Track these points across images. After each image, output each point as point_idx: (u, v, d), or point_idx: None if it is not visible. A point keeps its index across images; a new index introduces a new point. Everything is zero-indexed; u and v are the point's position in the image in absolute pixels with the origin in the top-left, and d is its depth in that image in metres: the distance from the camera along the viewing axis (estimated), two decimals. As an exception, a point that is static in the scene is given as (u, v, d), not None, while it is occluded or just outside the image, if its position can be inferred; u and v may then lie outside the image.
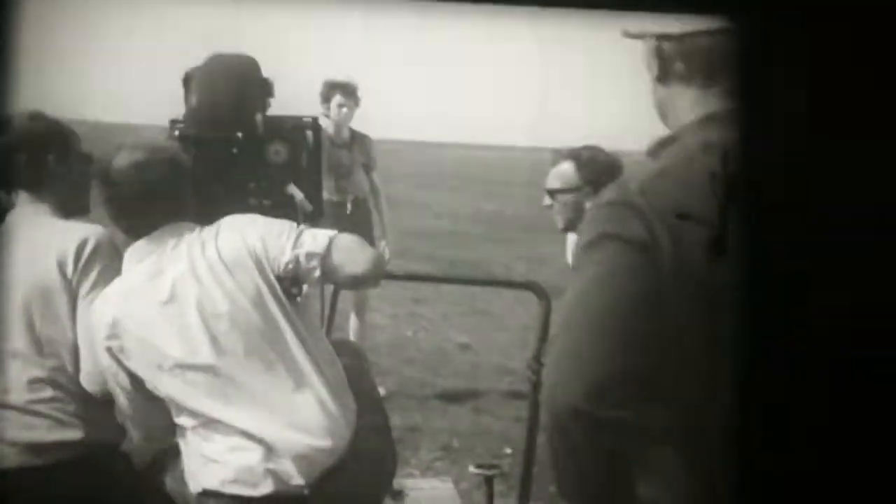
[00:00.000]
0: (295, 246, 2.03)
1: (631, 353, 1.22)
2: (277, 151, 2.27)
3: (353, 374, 2.17)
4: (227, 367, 1.98)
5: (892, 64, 1.08)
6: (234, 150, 2.24)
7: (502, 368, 5.48)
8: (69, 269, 2.08)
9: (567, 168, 2.81)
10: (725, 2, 1.12)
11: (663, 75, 1.38)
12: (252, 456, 1.96)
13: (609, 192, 1.33)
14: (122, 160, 2.04)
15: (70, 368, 2.09)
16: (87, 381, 2.08)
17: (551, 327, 2.26)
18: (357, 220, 4.77)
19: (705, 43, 1.31)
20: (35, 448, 2.05)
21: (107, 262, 2.10)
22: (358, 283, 2.21)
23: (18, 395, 2.06)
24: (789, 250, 1.09)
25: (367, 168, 5.02)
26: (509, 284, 5.90)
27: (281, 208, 2.25)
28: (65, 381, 2.09)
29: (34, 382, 2.06)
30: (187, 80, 2.25)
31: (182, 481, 2.04)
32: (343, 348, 2.31)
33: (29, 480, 2.04)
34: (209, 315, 1.99)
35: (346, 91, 4.91)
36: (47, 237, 2.11)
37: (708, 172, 1.24)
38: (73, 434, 2.08)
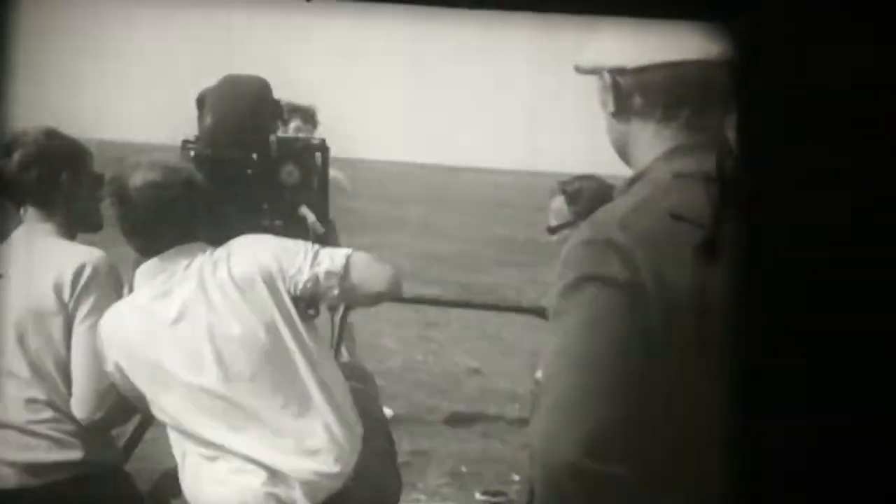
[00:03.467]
0: (313, 265, 2.02)
1: (624, 399, 1.16)
2: (290, 173, 2.28)
3: (361, 398, 2.16)
4: (234, 389, 1.97)
5: (887, 66, 1.06)
6: (248, 170, 2.25)
7: (511, 394, 5.44)
8: (66, 293, 2.07)
9: (558, 203, 2.77)
10: (715, 7, 1.10)
11: (620, 111, 1.32)
12: (255, 479, 1.94)
13: (585, 231, 1.26)
14: (138, 179, 2.04)
15: (64, 391, 2.08)
16: (79, 409, 2.07)
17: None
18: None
19: (665, 75, 1.26)
20: (34, 468, 2.04)
21: (104, 288, 2.10)
22: (376, 300, 2.21)
23: (17, 415, 2.05)
24: (786, 253, 1.07)
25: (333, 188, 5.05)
26: (519, 310, 5.87)
27: (293, 229, 2.25)
28: (61, 403, 2.07)
29: (32, 403, 2.05)
30: (201, 101, 2.27)
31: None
32: (351, 371, 2.30)
33: (27, 501, 2.03)
34: (218, 336, 1.98)
35: (304, 115, 4.93)
36: (46, 258, 2.11)
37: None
38: (73, 454, 2.07)
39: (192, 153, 2.25)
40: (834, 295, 1.09)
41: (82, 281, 2.08)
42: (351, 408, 2.07)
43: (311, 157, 2.34)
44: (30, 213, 2.18)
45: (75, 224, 2.22)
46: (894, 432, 1.10)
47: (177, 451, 2.02)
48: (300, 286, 2.02)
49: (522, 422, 4.76)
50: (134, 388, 2.02)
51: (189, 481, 2.00)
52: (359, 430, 2.05)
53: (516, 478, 4.06)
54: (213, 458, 1.97)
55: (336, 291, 2.04)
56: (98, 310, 2.07)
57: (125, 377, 2.01)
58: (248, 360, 1.97)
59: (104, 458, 2.12)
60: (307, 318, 2.06)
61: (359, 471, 2.00)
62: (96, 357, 2.06)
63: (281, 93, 2.31)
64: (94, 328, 2.07)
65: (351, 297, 2.11)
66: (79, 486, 2.06)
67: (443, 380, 5.88)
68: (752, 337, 1.10)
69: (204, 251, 2.06)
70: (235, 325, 1.98)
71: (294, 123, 4.93)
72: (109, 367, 2.03)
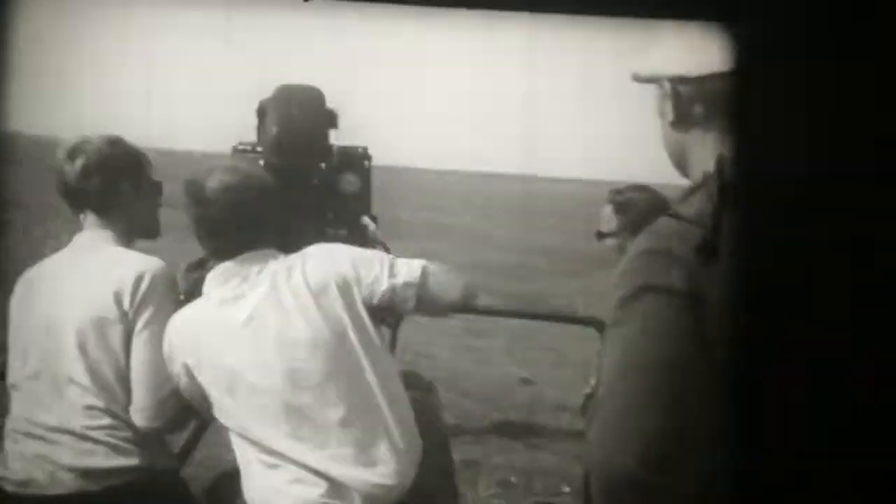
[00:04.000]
0: (391, 275, 2.03)
1: (681, 411, 1.15)
2: (350, 181, 2.30)
3: (422, 410, 2.15)
4: (299, 395, 1.97)
5: (888, 69, 1.06)
6: (314, 180, 2.27)
7: (561, 405, 5.41)
8: (126, 302, 2.08)
9: (608, 211, 2.75)
10: (719, 8, 1.10)
11: (680, 120, 1.31)
12: (313, 491, 1.94)
13: (645, 241, 1.26)
14: (216, 182, 2.06)
15: (123, 399, 2.09)
16: (139, 417, 2.09)
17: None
18: None
19: (727, 84, 1.23)
20: (91, 474, 2.06)
21: (163, 297, 2.12)
22: (450, 310, 2.21)
23: (76, 421, 2.07)
24: (785, 254, 1.07)
25: None
26: (571, 319, 5.84)
27: (356, 238, 2.27)
28: (119, 410, 2.09)
29: (91, 409, 2.07)
30: (262, 111, 2.30)
31: None
32: (414, 381, 2.29)
33: None
34: (288, 341, 1.99)
35: None
36: (107, 267, 2.13)
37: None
38: (130, 461, 2.08)
39: (262, 161, 2.28)
40: (834, 296, 1.08)
41: (142, 290, 2.09)
42: (412, 420, 2.07)
43: (365, 166, 2.36)
44: (90, 220, 2.20)
45: (134, 231, 2.24)
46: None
47: (240, 458, 2.03)
48: (378, 296, 2.02)
49: (573, 433, 4.73)
50: (199, 391, 2.03)
51: (250, 489, 2.01)
52: (419, 442, 2.04)
53: (567, 489, 4.03)
54: (273, 466, 1.96)
55: (412, 302, 2.05)
56: (157, 319, 2.08)
57: (192, 379, 2.02)
58: (315, 366, 1.97)
59: (160, 464, 2.13)
60: (377, 328, 2.06)
61: (416, 485, 2.00)
62: (157, 366, 2.07)
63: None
64: (154, 338, 2.08)
65: (426, 308, 2.11)
66: (135, 492, 2.07)
67: (492, 389, 5.87)
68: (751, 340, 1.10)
69: (276, 257, 2.07)
70: (305, 330, 1.99)
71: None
72: (176, 368, 2.04)
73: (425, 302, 2.07)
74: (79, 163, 2.16)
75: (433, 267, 2.08)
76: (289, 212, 2.19)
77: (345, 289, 2.02)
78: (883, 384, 1.09)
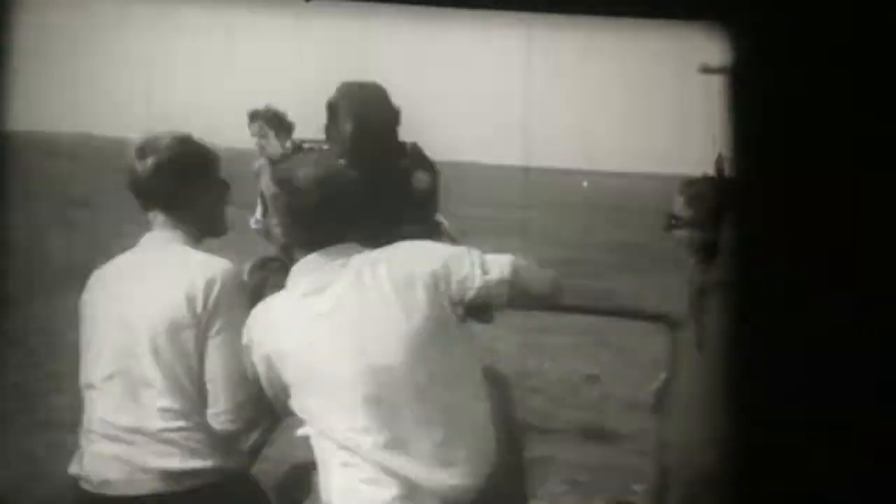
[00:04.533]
0: (483, 272, 2.02)
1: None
2: (421, 179, 2.30)
3: (498, 407, 2.12)
4: (378, 391, 1.95)
5: (884, 67, 1.05)
6: (390, 176, 2.28)
7: (630, 402, 5.33)
8: (198, 307, 2.08)
9: (678, 202, 2.71)
10: (716, 9, 1.09)
11: None
12: (386, 492, 1.92)
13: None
14: (306, 172, 2.07)
15: (197, 401, 2.10)
16: (216, 421, 2.10)
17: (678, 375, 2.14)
18: None
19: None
20: (167, 475, 2.07)
21: (235, 300, 2.12)
22: (540, 305, 2.19)
23: (151, 423, 2.08)
24: (784, 254, 1.07)
25: None
26: (640, 315, 5.76)
27: (431, 235, 2.26)
28: (193, 413, 2.10)
29: (165, 412, 2.08)
30: (333, 108, 2.30)
31: None
32: (490, 376, 2.26)
33: None
34: (369, 336, 1.97)
35: (268, 120, 5.06)
36: (177, 269, 2.13)
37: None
38: (204, 462, 2.09)
39: (343, 160, 2.27)
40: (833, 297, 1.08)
41: (213, 295, 2.09)
42: (488, 417, 2.04)
43: (432, 163, 2.36)
44: (159, 219, 2.21)
45: (202, 230, 2.23)
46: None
47: (318, 455, 2.02)
48: (471, 293, 2.01)
49: (642, 430, 4.66)
50: (279, 382, 2.02)
51: (326, 486, 2.00)
52: (493, 441, 2.01)
53: (637, 488, 3.97)
54: (348, 465, 1.95)
55: (505, 298, 2.05)
56: (230, 323, 2.08)
57: (272, 370, 2.02)
58: (395, 361, 1.95)
59: (232, 464, 2.13)
60: (462, 324, 2.05)
61: (489, 485, 1.96)
62: (233, 370, 2.09)
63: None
64: (228, 342, 2.09)
65: (517, 303, 2.10)
66: (209, 493, 2.08)
67: (560, 387, 5.82)
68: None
69: (360, 251, 2.06)
70: (387, 325, 1.97)
71: (255, 127, 5.07)
72: (256, 358, 2.03)
73: (515, 298, 2.06)
74: (150, 161, 2.16)
75: (522, 261, 2.07)
76: (370, 208, 2.18)
77: (432, 285, 2.00)
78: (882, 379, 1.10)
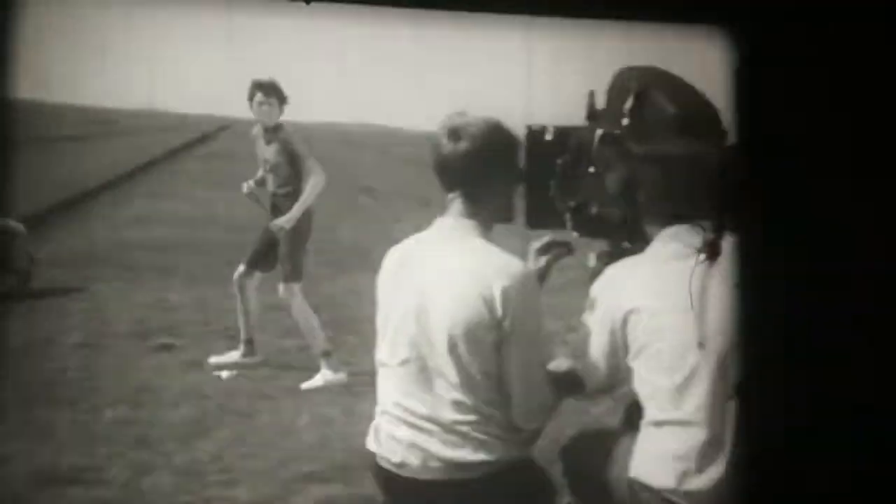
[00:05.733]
0: None
1: None
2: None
3: None
4: (702, 360, 1.99)
5: (884, 68, 1.03)
6: (711, 164, 2.29)
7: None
8: (498, 310, 2.11)
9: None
10: (717, 12, 1.09)
11: None
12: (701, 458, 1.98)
13: None
14: (678, 150, 2.06)
15: (490, 397, 2.15)
16: (523, 420, 2.17)
17: None
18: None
19: None
20: (458, 466, 2.15)
21: (533, 300, 2.17)
22: None
23: (445, 414, 2.15)
24: (785, 255, 1.10)
25: (293, 157, 5.22)
26: None
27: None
28: (485, 407, 2.15)
29: (458, 404, 2.14)
30: (641, 95, 2.30)
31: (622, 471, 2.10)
32: None
33: (453, 492, 2.17)
34: (714, 308, 1.98)
35: (265, 89, 5.16)
36: (474, 265, 2.16)
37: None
38: (493, 455, 2.15)
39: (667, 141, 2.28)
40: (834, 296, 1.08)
41: (513, 298, 2.11)
42: None
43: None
44: (456, 206, 2.23)
45: (496, 216, 2.24)
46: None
47: (642, 417, 2.09)
48: None
49: None
50: (624, 342, 2.08)
51: (639, 450, 2.08)
52: None
53: None
54: (660, 429, 2.03)
55: None
56: (531, 324, 2.14)
57: (623, 329, 2.07)
58: (727, 341, 1.96)
59: (518, 452, 2.19)
60: None
61: None
62: (536, 370, 2.17)
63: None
64: (531, 342, 2.15)
65: None
66: (497, 481, 2.15)
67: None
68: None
69: (705, 229, 2.03)
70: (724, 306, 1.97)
71: (257, 98, 5.16)
72: (611, 316, 2.09)
73: None
74: (463, 145, 2.18)
75: None
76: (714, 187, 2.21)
77: None
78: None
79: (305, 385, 5.05)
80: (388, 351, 2.23)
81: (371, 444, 2.26)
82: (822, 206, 1.13)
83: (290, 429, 4.41)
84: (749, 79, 1.14)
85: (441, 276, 2.17)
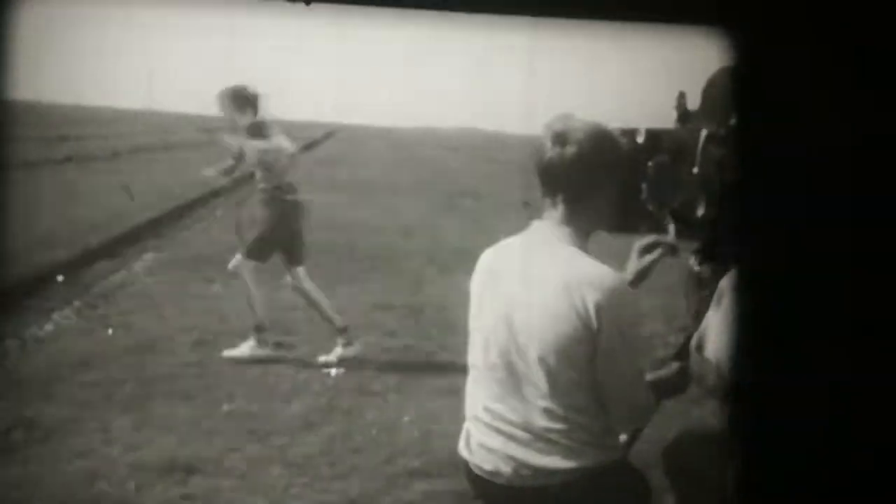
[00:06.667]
0: None
1: None
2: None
3: None
4: None
5: (884, 68, 1.03)
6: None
7: None
8: (593, 323, 2.05)
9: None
10: (717, 12, 1.08)
11: None
12: None
13: None
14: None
15: (581, 404, 2.11)
16: (623, 426, 2.23)
17: None
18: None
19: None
20: (549, 472, 2.13)
21: (627, 311, 2.10)
22: None
23: (536, 421, 2.12)
24: (784, 255, 1.07)
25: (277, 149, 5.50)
26: None
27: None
28: (576, 415, 2.11)
29: (548, 412, 2.11)
30: (708, 91, 2.34)
31: None
32: None
33: (542, 498, 2.15)
34: None
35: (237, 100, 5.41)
36: (567, 276, 2.10)
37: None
38: (584, 461, 2.12)
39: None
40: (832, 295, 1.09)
41: (607, 312, 2.05)
42: None
43: None
44: (556, 210, 2.16)
45: (594, 224, 2.19)
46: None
47: None
48: None
49: None
50: None
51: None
52: None
53: None
54: None
55: None
56: (626, 335, 2.08)
57: None
58: None
59: (610, 457, 2.17)
60: None
61: None
62: (633, 378, 2.15)
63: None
64: (627, 351, 2.10)
65: None
66: (590, 486, 2.13)
67: None
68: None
69: None
70: None
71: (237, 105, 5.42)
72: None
73: None
74: (570, 150, 2.11)
75: None
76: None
77: None
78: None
79: (323, 358, 5.51)
80: (479, 354, 2.22)
81: (463, 451, 2.26)
82: (822, 205, 1.15)
83: (395, 425, 4.51)
84: (749, 79, 1.17)
85: (532, 285, 2.13)
